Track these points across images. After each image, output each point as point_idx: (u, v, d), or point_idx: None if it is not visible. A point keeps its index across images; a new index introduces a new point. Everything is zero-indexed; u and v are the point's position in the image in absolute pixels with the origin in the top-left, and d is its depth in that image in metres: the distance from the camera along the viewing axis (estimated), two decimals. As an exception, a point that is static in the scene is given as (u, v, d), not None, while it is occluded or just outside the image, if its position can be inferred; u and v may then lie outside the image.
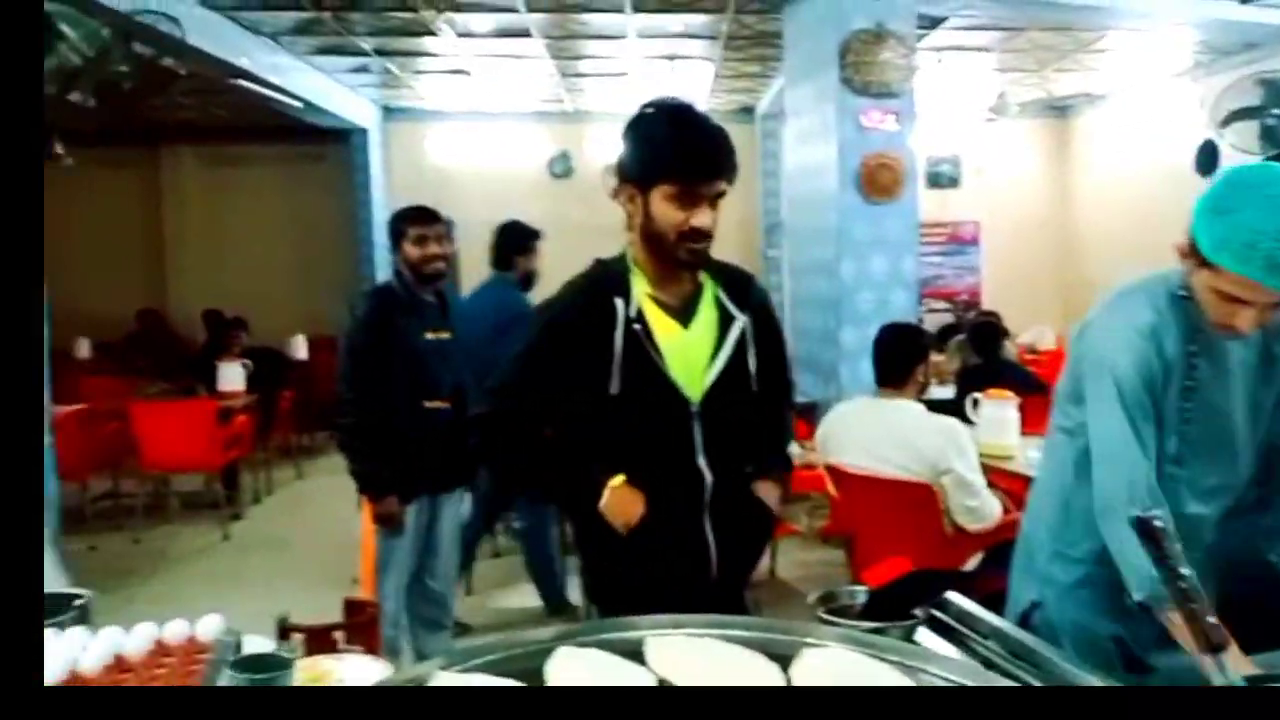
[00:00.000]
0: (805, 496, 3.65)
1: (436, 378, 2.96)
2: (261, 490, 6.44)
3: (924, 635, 1.42)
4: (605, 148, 9.18)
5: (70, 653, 1.24)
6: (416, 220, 3.00)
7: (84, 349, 8.09)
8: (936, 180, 9.78)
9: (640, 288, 1.66)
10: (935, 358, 7.15)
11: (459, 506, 3.20)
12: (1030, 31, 6.72)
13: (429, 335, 2.96)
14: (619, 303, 1.63)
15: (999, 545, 2.59)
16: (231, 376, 6.08)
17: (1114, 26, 6.44)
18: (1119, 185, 8.66)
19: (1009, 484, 3.21)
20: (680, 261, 1.63)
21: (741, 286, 1.74)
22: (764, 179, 9.18)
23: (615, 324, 1.62)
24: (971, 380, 4.34)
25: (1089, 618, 1.54)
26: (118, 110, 4.89)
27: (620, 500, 1.59)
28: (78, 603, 1.57)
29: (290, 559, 4.94)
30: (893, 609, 1.43)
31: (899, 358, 3.16)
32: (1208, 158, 7.16)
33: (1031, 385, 4.24)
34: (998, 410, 3.49)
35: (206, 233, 9.60)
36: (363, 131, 9.00)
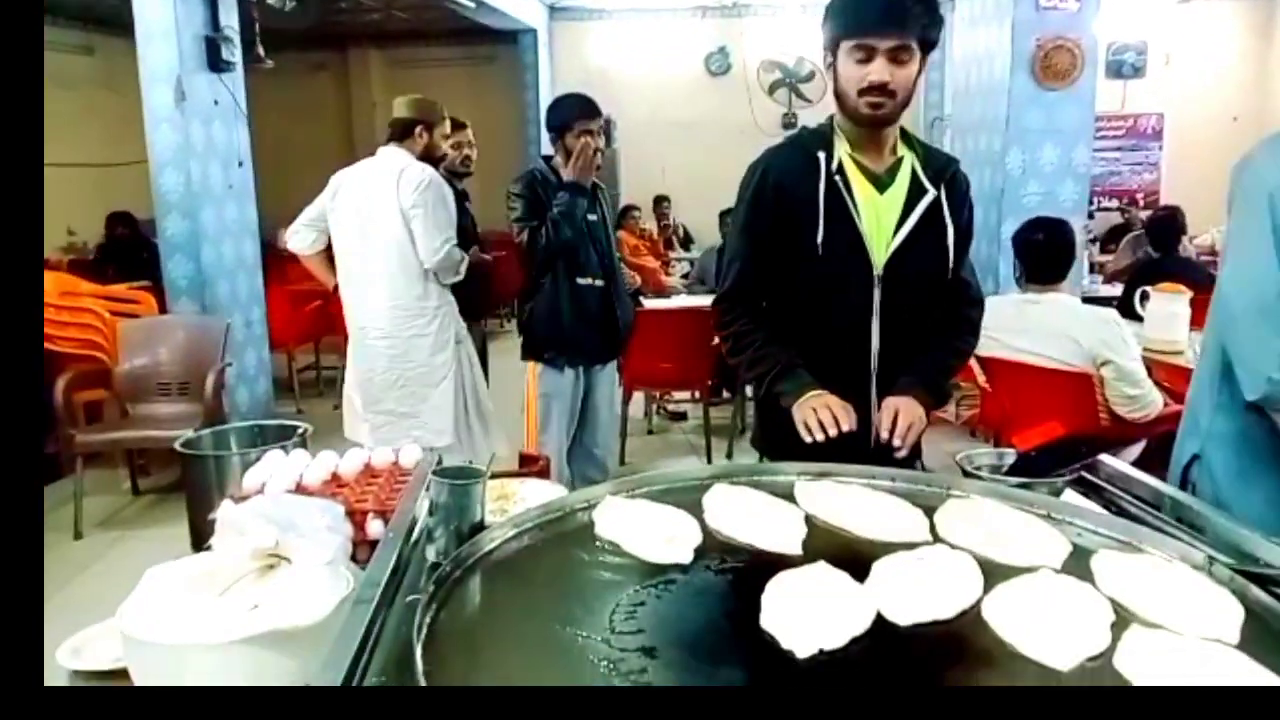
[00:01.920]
0: (955, 386, 3.61)
1: (587, 256, 3.19)
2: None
3: (1070, 495, 1.45)
4: (763, 43, 8.93)
5: (296, 468, 1.47)
6: (584, 113, 3.15)
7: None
8: (1119, 69, 8.98)
9: (842, 148, 1.74)
10: (1103, 257, 6.77)
11: (614, 378, 3.46)
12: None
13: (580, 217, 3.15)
14: (821, 156, 1.72)
15: (1160, 437, 2.52)
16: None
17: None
18: (1205, 102, 7.74)
19: (1174, 380, 3.09)
20: (862, 118, 1.68)
21: (940, 164, 1.78)
22: (927, 71, 8.69)
23: (819, 176, 1.70)
24: (1145, 274, 4.12)
25: (1248, 464, 1.53)
26: (312, 15, 5.17)
27: (808, 412, 1.63)
28: (300, 431, 1.84)
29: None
30: (1041, 470, 1.46)
31: (1052, 255, 3.06)
32: None
33: (1207, 281, 3.97)
34: (1168, 304, 3.33)
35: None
36: (531, 31, 9.14)
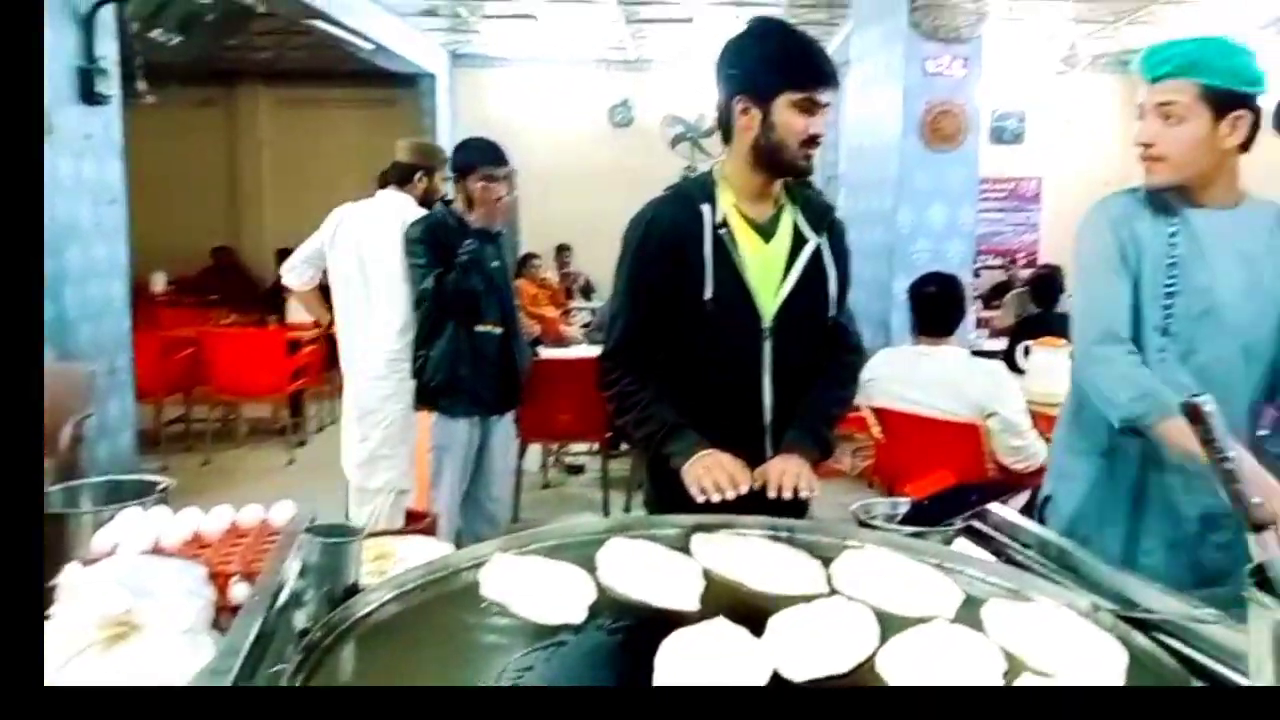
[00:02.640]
0: (849, 437, 3.68)
1: (487, 302, 3.11)
2: (326, 419, 6.68)
3: (961, 544, 1.47)
4: (667, 96, 9.14)
5: (153, 528, 1.36)
6: (491, 160, 3.09)
7: (159, 283, 8.41)
8: (1000, 135, 9.54)
9: (726, 199, 1.72)
10: (987, 313, 7.09)
11: (510, 430, 3.37)
12: (1109, -21, 6.49)
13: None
14: (705, 209, 1.69)
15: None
16: (301, 309, 6.28)
17: (1198, -25, 6.19)
18: None
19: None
20: (799, 169, 1.69)
21: (819, 212, 1.79)
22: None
23: (703, 228, 1.68)
24: (1027, 329, 4.32)
25: (1089, 508, 1.61)
26: (198, 48, 5.02)
27: (701, 472, 1.57)
28: (160, 488, 1.70)
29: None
30: (934, 519, 1.48)
31: (943, 308, 3.18)
32: (1289, 115, 6.87)
33: (1088, 338, 4.19)
34: (1049, 357, 3.49)
35: (280, 173, 9.86)
36: (431, 77, 9.10)
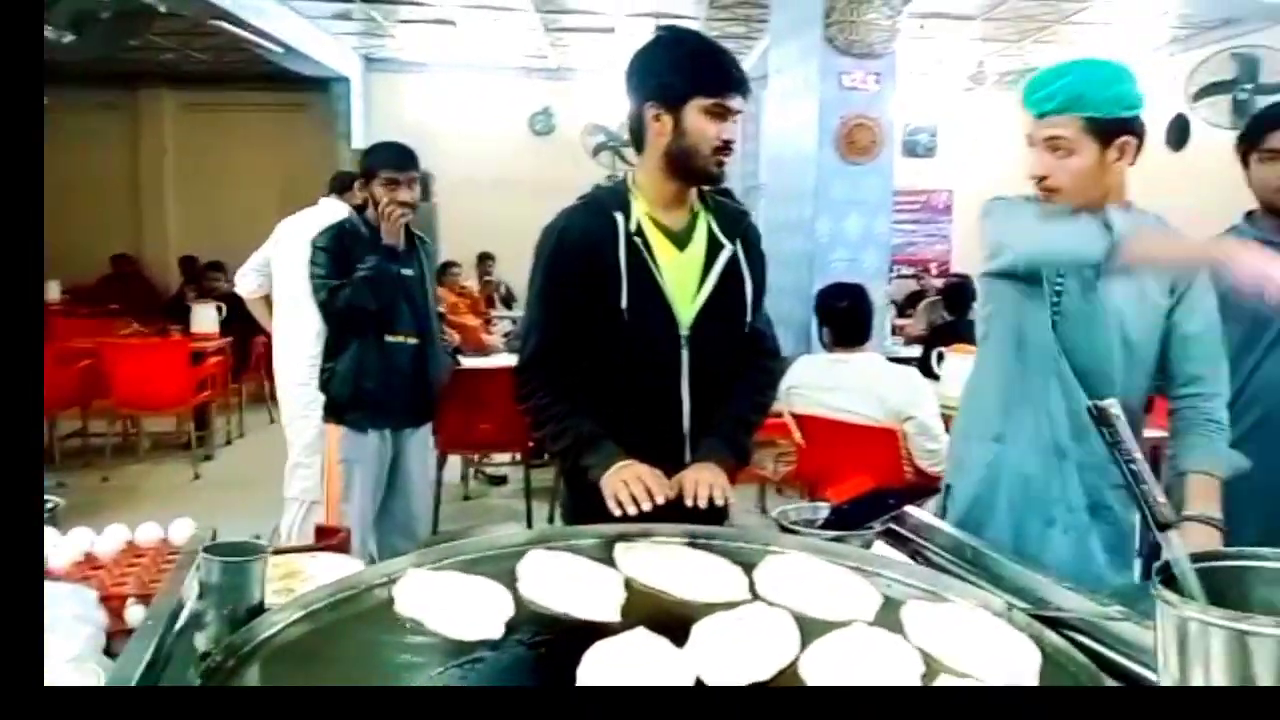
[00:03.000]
0: (772, 443, 3.73)
1: (397, 312, 3.00)
2: (233, 432, 6.44)
3: (880, 546, 1.50)
4: (588, 105, 9.13)
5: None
6: (392, 163, 2.98)
7: (53, 291, 7.98)
8: (913, 149, 9.83)
9: (640, 208, 1.70)
10: (901, 321, 7.29)
11: (426, 442, 3.27)
12: (1013, 1, 6.75)
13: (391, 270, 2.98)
14: (619, 217, 1.67)
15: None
16: (205, 319, 6.04)
17: (1095, -2, 6.51)
18: None
19: (971, 434, 3.31)
20: (711, 176, 1.68)
21: (733, 219, 1.78)
22: (744, 142, 9.17)
23: (618, 237, 1.66)
24: (940, 336, 4.45)
25: (984, 494, 1.67)
26: (96, 49, 4.79)
27: (618, 485, 1.54)
28: (50, 506, 1.60)
29: (263, 498, 4.93)
30: (853, 523, 1.50)
31: (855, 321, 3.26)
32: (1178, 132, 7.27)
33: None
34: (962, 363, 3.57)
35: (184, 179, 9.48)
36: (344, 81, 8.88)
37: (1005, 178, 10.50)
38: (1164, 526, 0.84)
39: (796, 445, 3.57)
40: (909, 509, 1.58)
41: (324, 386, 3.04)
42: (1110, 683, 0.95)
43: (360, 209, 3.16)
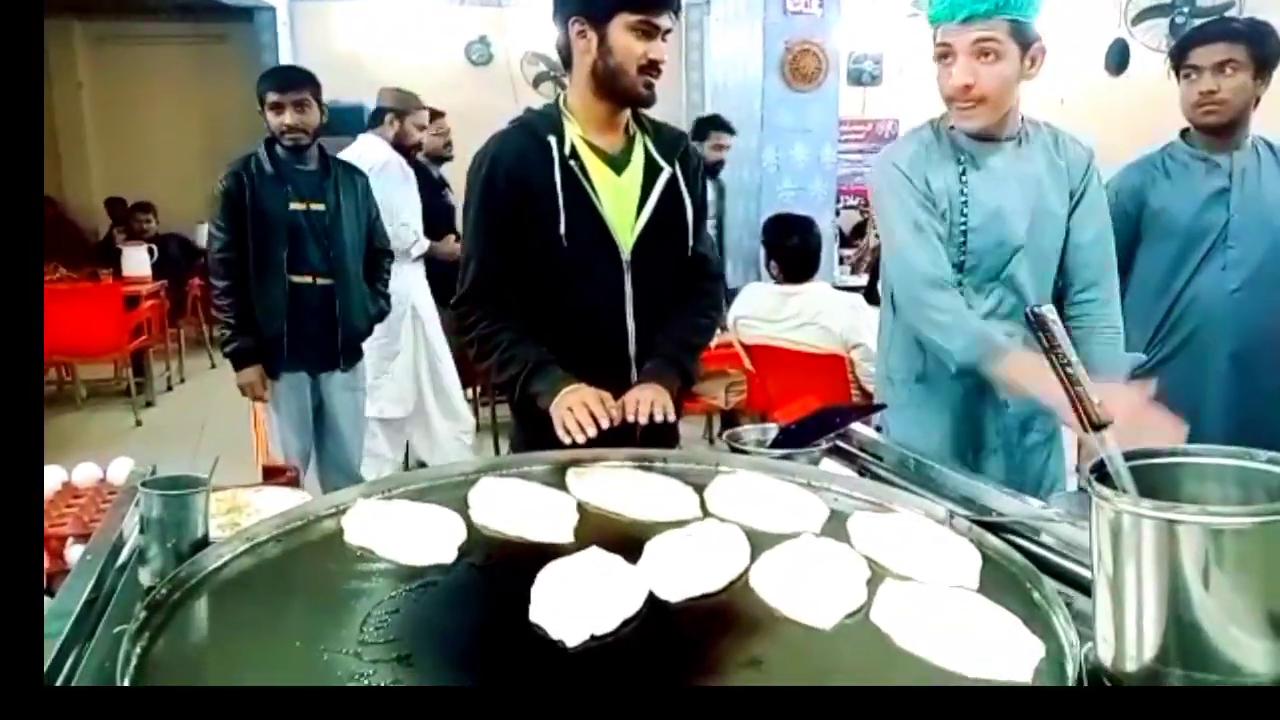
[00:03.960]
0: (723, 373, 3.76)
1: (305, 250, 2.89)
2: (173, 378, 6.29)
3: (828, 463, 1.52)
4: (527, 34, 8.87)
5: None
6: (272, 85, 2.88)
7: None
8: (858, 78, 9.75)
9: (574, 130, 1.66)
10: (848, 250, 7.34)
11: (356, 384, 3.16)
12: (956, -78, 6.68)
13: (295, 205, 2.87)
14: (552, 141, 1.63)
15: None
16: (137, 261, 5.84)
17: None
18: (1033, 84, 8.79)
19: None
20: (639, 97, 1.63)
21: (671, 140, 1.74)
22: (689, 71, 9.02)
23: (552, 161, 1.62)
24: (885, 265, 4.49)
25: (915, 432, 1.72)
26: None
27: (565, 413, 1.52)
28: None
29: (207, 442, 4.87)
30: (801, 441, 1.51)
31: (805, 255, 3.28)
32: (1118, 56, 7.33)
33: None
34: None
35: (103, 117, 9.00)
36: (269, 10, 8.47)
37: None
38: (1099, 427, 0.86)
39: (747, 374, 3.61)
40: (855, 425, 1.61)
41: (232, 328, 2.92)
42: (1048, 581, 0.99)
43: (399, 146, 3.18)
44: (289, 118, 2.83)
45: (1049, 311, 0.91)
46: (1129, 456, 0.85)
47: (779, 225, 3.44)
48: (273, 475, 2.06)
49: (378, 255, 3.18)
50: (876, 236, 5.54)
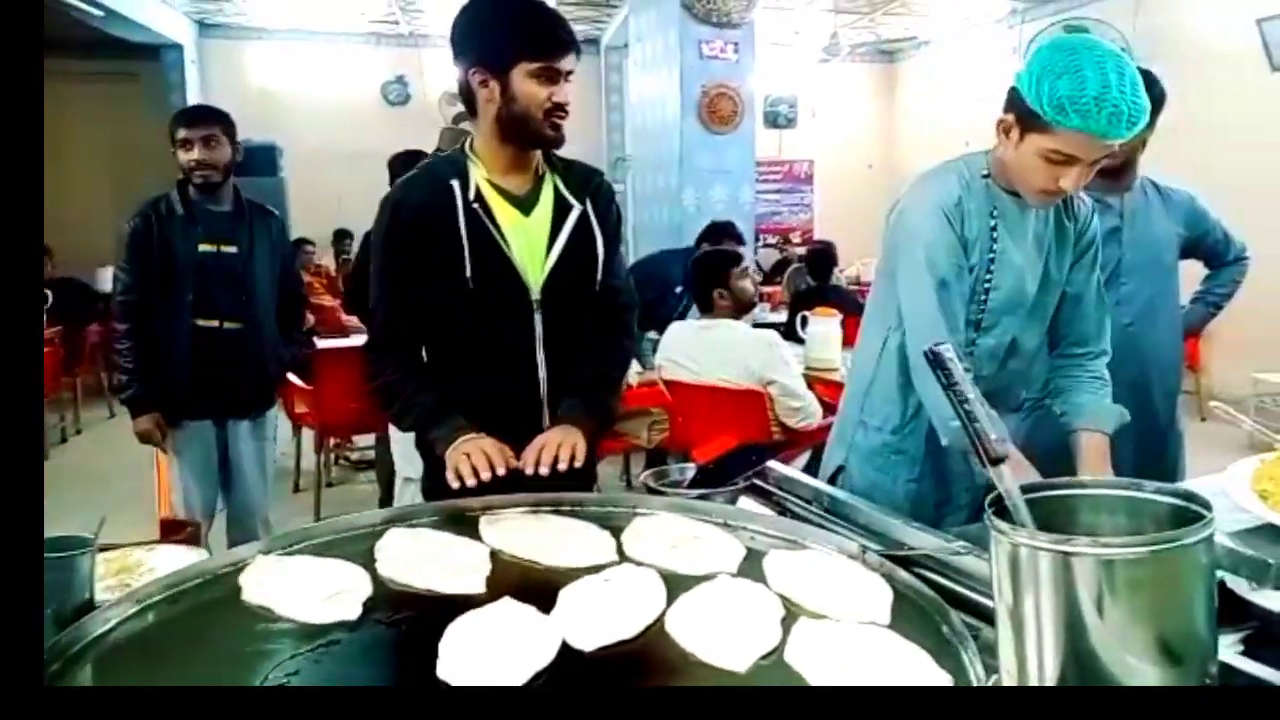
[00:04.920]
0: (645, 412, 3.76)
1: (213, 293, 2.79)
2: (69, 429, 5.98)
3: (745, 501, 1.53)
4: (444, 73, 8.87)
5: None
6: (182, 122, 2.81)
7: None
8: (774, 120, 10.05)
9: (479, 174, 1.65)
10: (768, 288, 7.49)
11: (265, 433, 3.03)
12: (863, -28, 6.98)
13: (205, 247, 2.78)
14: (455, 185, 1.62)
15: (823, 444, 2.78)
16: (31, 309, 5.56)
17: (939, -29, 6.79)
18: (939, 129, 9.18)
19: (832, 393, 3.44)
20: (546, 140, 1.63)
21: (583, 177, 1.75)
22: (608, 113, 9.15)
23: (455, 206, 1.61)
24: (804, 301, 4.59)
25: (883, 479, 1.71)
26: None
27: (459, 458, 1.49)
28: None
29: (105, 497, 4.60)
30: (718, 480, 1.52)
31: (697, 283, 3.34)
32: (1017, 101, 7.69)
33: (855, 306, 4.51)
34: (824, 326, 3.71)
35: (-4, 155, 8.63)
36: (177, 48, 8.29)
37: (860, 148, 10.91)
38: (995, 461, 0.88)
39: (670, 412, 3.62)
40: (772, 464, 1.62)
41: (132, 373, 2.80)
42: (954, 613, 1.00)
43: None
44: (198, 153, 2.75)
45: (946, 350, 0.93)
46: (1026, 490, 0.87)
47: (700, 260, 3.49)
48: (171, 531, 1.97)
49: (292, 299, 3.09)
50: (799, 274, 5.65)
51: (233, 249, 2.81)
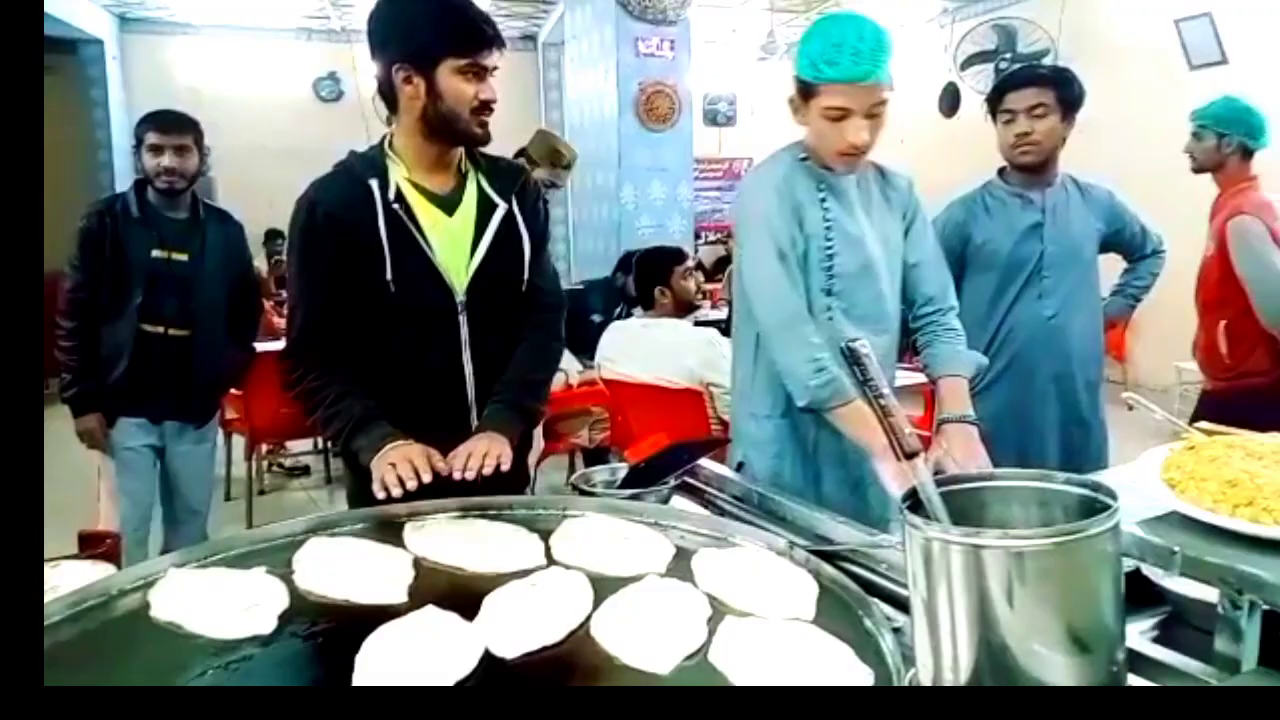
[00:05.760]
0: (586, 412, 3.75)
1: (160, 299, 2.73)
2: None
3: (677, 500, 1.52)
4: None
5: None
6: (154, 126, 2.74)
7: None
8: (714, 118, 10.11)
9: (399, 173, 1.61)
10: (709, 285, 7.54)
11: (205, 438, 2.98)
12: (797, -29, 7.05)
13: (157, 253, 2.72)
14: (374, 184, 1.58)
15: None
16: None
17: (871, -30, 6.88)
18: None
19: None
20: (474, 138, 1.61)
21: (508, 176, 1.72)
22: (547, 109, 9.10)
23: (374, 206, 1.56)
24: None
25: (780, 465, 1.74)
26: None
27: (385, 467, 1.45)
28: None
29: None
30: (650, 480, 1.51)
31: (639, 281, 3.34)
32: (950, 99, 7.87)
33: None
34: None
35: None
36: (96, 42, 8.01)
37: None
38: (910, 455, 0.89)
39: (610, 411, 3.60)
40: (703, 461, 1.62)
41: (75, 373, 2.74)
42: (877, 606, 1.01)
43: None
44: (168, 160, 2.69)
45: (861, 346, 0.94)
46: (940, 483, 0.88)
47: (644, 257, 3.49)
48: (90, 545, 1.89)
49: (247, 307, 3.03)
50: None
51: (184, 256, 2.76)
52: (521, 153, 3.44)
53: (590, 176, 5.78)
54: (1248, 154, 2.87)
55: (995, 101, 2.36)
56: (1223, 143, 2.85)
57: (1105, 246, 2.48)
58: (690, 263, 3.57)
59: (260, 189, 8.02)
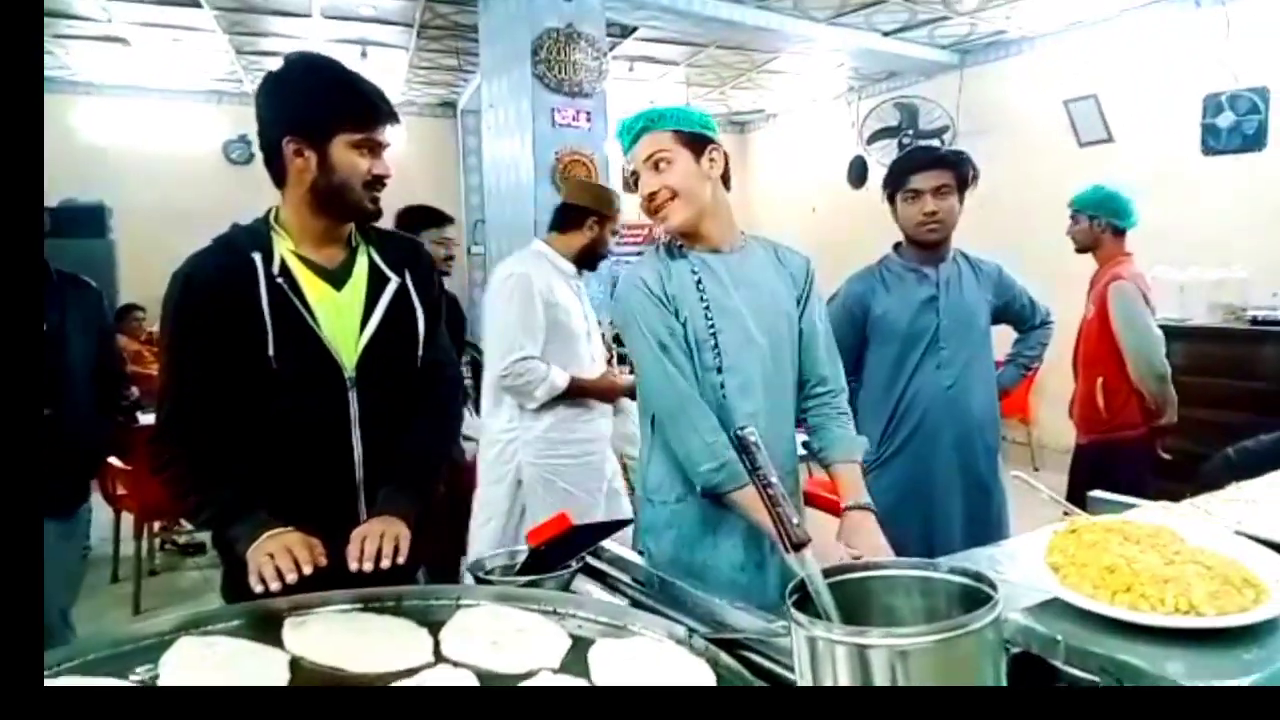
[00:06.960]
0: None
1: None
2: None
3: (581, 582, 1.48)
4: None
5: None
6: None
7: None
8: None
9: (284, 246, 1.57)
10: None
11: (78, 530, 2.72)
12: (712, 49, 7.28)
13: None
14: (257, 258, 1.53)
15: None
16: None
17: (783, 50, 7.16)
18: (788, 194, 9.63)
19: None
20: (365, 212, 1.58)
21: (403, 250, 1.69)
22: (466, 174, 9.11)
23: (257, 280, 1.51)
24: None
25: (677, 551, 1.72)
26: None
27: (263, 559, 1.38)
28: None
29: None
30: (550, 564, 1.46)
31: None
32: (858, 171, 8.18)
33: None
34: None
35: None
36: (-5, 100, 7.72)
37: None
38: (798, 547, 0.88)
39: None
40: (606, 542, 1.59)
41: None
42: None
43: (592, 254, 2.92)
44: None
45: (750, 434, 0.93)
46: (827, 574, 0.87)
47: None
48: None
49: (111, 378, 2.80)
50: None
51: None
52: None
53: (508, 242, 5.76)
54: (1119, 233, 3.24)
55: (899, 182, 2.45)
56: (1094, 224, 3.24)
57: (996, 318, 2.58)
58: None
59: (164, 253, 7.72)
